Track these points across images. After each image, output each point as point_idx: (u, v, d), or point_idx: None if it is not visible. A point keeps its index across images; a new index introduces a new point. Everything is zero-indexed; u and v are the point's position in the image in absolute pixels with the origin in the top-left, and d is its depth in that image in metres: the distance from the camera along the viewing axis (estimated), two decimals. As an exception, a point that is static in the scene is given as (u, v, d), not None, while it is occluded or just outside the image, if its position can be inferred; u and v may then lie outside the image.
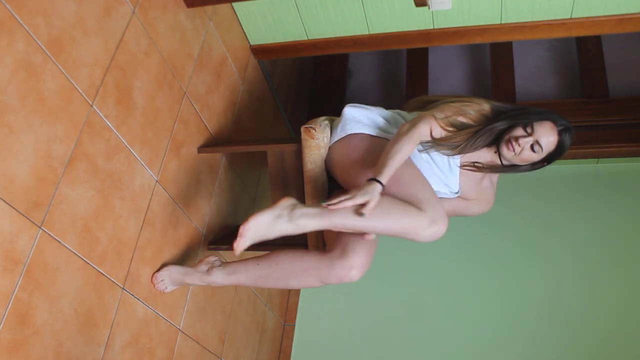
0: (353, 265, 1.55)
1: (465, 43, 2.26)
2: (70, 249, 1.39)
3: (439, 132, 1.65)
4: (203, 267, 1.73)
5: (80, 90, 1.43)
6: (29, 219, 1.26)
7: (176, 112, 1.89)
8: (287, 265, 1.63)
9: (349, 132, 1.71)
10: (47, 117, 1.32)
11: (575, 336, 2.55)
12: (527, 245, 2.80)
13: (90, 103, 1.47)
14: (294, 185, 1.93)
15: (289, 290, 3.01)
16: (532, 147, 1.60)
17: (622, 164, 2.93)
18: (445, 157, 1.71)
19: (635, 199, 2.81)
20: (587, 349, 2.50)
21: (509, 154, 1.63)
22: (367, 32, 2.30)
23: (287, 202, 1.51)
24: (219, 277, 1.69)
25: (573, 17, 2.07)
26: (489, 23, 2.16)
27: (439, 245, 2.88)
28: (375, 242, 1.64)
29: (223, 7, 2.25)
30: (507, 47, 3.10)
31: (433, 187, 1.71)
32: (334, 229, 1.50)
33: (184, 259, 1.91)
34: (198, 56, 2.05)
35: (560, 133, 1.61)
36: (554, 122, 1.61)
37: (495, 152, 1.71)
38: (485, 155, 1.73)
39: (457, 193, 1.76)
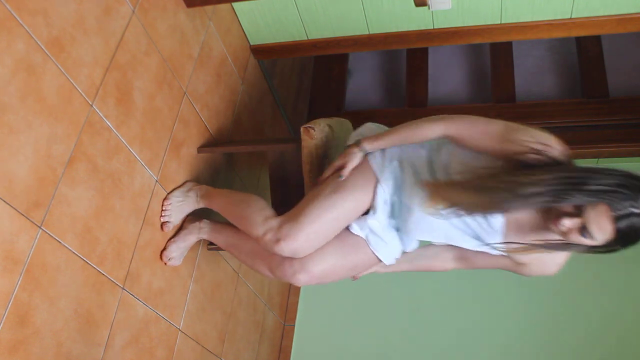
0: (303, 269, 1.51)
1: (465, 43, 2.26)
2: (70, 249, 1.39)
3: (467, 146, 1.40)
4: (195, 224, 1.83)
5: (80, 90, 1.43)
6: (29, 219, 1.26)
7: (176, 112, 1.89)
8: (251, 244, 1.67)
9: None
10: (47, 117, 1.32)
11: (584, 345, 2.54)
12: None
13: (90, 103, 1.47)
14: (294, 185, 1.93)
15: (289, 290, 3.01)
16: (580, 230, 1.23)
17: (622, 164, 2.93)
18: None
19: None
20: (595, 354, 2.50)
21: (555, 230, 1.28)
22: (367, 32, 2.29)
23: (202, 185, 1.88)
24: (206, 232, 1.83)
25: (573, 17, 2.07)
26: (489, 23, 2.16)
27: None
28: (340, 259, 1.55)
29: (223, 7, 2.25)
30: (507, 47, 3.10)
31: (466, 244, 1.46)
32: (218, 210, 1.77)
33: (184, 258, 1.90)
34: (198, 56, 2.05)
35: (616, 220, 1.18)
36: (611, 205, 1.18)
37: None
38: (533, 221, 1.37)
39: (499, 250, 1.44)
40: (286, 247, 1.49)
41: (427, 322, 2.74)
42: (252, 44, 2.47)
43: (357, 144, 1.55)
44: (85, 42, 1.46)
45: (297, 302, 2.98)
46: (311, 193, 1.57)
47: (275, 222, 1.55)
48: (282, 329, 2.90)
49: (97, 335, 1.49)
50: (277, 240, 1.50)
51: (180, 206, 1.82)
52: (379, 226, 1.53)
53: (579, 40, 3.05)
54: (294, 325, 2.91)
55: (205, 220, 1.85)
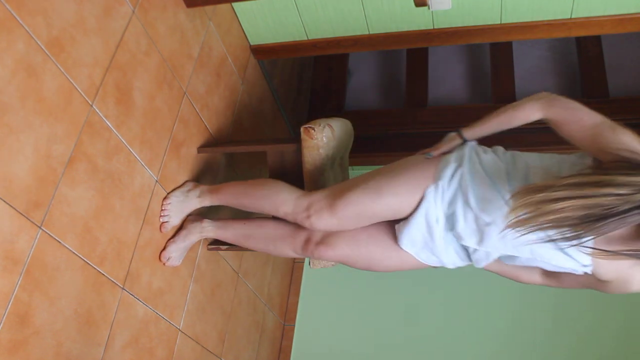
0: (325, 244, 1.59)
1: (465, 43, 2.26)
2: (70, 249, 1.39)
3: (572, 131, 1.29)
4: (197, 224, 1.83)
5: (80, 90, 1.43)
6: (29, 219, 1.26)
7: (176, 112, 1.89)
8: (269, 230, 1.73)
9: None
10: (47, 117, 1.32)
11: (582, 345, 2.54)
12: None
13: (90, 103, 1.47)
14: (294, 185, 1.93)
15: (289, 290, 3.01)
16: None
17: (622, 164, 2.93)
18: None
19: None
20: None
21: None
22: (367, 32, 2.30)
23: (202, 185, 1.87)
24: (210, 231, 1.83)
25: (573, 17, 2.07)
26: (489, 23, 2.16)
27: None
28: (357, 238, 1.60)
29: (223, 7, 2.25)
30: (507, 47, 3.10)
31: (552, 260, 1.32)
32: (225, 204, 1.80)
33: (184, 258, 1.90)
34: (198, 56, 2.05)
35: None
36: None
37: None
38: (624, 231, 1.22)
39: (586, 267, 1.32)
40: (317, 223, 1.54)
41: (427, 323, 2.74)
42: (252, 44, 2.47)
43: (458, 132, 1.51)
44: (85, 42, 1.46)
45: (297, 302, 2.98)
46: (361, 176, 1.56)
47: (307, 197, 1.59)
48: (282, 329, 2.90)
49: (97, 335, 1.49)
50: (309, 216, 1.55)
51: (180, 206, 1.82)
52: (435, 240, 1.45)
53: (579, 40, 3.05)
54: (294, 325, 2.91)
55: (206, 219, 1.85)
